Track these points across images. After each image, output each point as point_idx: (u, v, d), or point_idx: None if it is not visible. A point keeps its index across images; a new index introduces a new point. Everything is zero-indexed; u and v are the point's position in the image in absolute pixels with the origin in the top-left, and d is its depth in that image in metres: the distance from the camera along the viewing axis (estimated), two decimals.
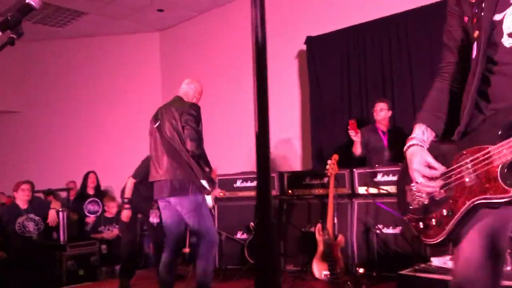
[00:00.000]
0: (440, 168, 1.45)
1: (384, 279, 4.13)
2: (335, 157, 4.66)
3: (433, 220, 1.45)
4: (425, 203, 1.50)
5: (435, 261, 3.07)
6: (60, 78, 8.31)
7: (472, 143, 1.39)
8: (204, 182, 3.53)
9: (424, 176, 1.47)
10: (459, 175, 1.40)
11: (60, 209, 5.43)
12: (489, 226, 1.38)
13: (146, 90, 8.08)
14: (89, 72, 8.15)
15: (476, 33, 1.43)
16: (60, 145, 7.84)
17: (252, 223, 5.01)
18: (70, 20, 7.55)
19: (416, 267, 3.05)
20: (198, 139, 3.54)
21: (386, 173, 4.57)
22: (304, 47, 6.38)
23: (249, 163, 6.05)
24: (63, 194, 6.54)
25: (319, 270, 4.34)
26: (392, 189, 4.49)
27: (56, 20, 7.52)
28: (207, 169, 3.59)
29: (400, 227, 4.31)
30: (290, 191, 5.17)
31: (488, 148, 1.33)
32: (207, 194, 3.62)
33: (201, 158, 3.56)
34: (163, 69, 8.23)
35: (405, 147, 1.56)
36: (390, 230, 4.38)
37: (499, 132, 1.30)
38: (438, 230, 1.43)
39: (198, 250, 3.62)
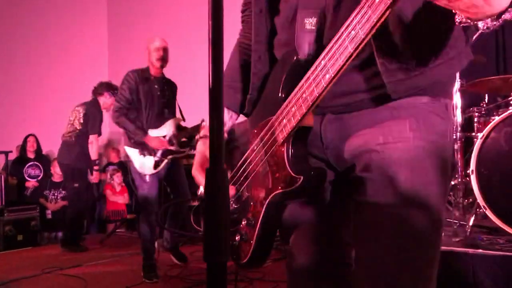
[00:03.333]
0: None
1: None
2: None
3: (238, 234, 1.06)
4: (233, 208, 1.11)
5: None
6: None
7: (262, 114, 1.05)
8: (128, 149, 3.67)
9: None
10: (252, 165, 1.06)
11: None
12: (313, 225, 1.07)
13: (92, 51, 7.76)
14: (33, 31, 7.70)
15: None
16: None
17: (199, 190, 5.00)
18: None
19: None
20: (118, 108, 3.63)
21: None
22: None
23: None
24: (1, 158, 6.24)
25: None
26: None
27: None
28: (136, 135, 3.60)
29: None
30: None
31: (272, 120, 1.00)
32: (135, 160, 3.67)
33: (121, 126, 3.66)
34: (110, 30, 7.92)
35: (196, 138, 1.19)
36: None
37: (281, 95, 0.97)
38: (245, 246, 1.04)
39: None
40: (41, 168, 6.16)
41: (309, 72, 0.90)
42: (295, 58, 0.95)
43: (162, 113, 3.73)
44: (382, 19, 0.75)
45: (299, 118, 0.92)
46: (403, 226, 0.89)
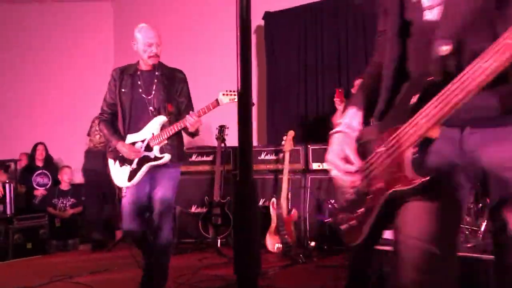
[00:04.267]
0: (356, 163, 1.29)
1: (334, 252, 4.28)
2: (291, 133, 4.73)
3: (355, 220, 1.29)
4: (352, 198, 1.32)
5: (385, 234, 3.20)
6: (7, 43, 7.85)
7: (389, 123, 1.23)
8: (109, 160, 3.24)
9: (339, 169, 1.31)
10: (376, 165, 1.25)
11: (7, 181, 5.23)
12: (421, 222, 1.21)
13: (98, 58, 7.80)
14: (38, 39, 7.75)
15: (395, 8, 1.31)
16: (9, 115, 7.48)
17: (207, 197, 5.02)
18: None
19: None
20: (99, 114, 3.27)
21: None
22: (262, 22, 6.35)
23: (207, 138, 6.02)
24: (12, 166, 6.27)
25: (272, 243, 4.44)
26: None
27: None
28: (110, 142, 3.19)
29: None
30: None
31: (399, 129, 1.18)
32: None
33: (102, 134, 3.32)
34: (116, 38, 7.96)
35: (331, 132, 1.40)
36: None
37: (410, 108, 1.16)
38: (358, 230, 1.26)
39: None
40: (49, 176, 6.19)
41: (441, 92, 1.06)
42: (428, 79, 1.12)
43: (145, 113, 3.12)
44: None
45: (426, 129, 1.10)
46: None
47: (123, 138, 3.13)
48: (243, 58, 0.61)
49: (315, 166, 4.83)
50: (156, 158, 3.08)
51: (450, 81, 1.06)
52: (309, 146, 4.93)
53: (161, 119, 3.10)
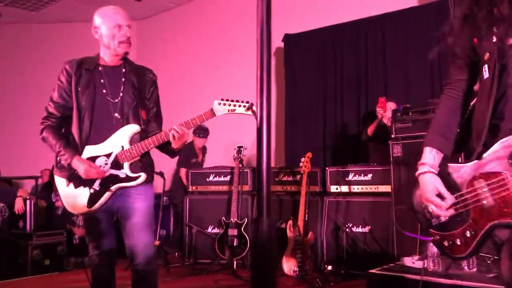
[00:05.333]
0: (450, 199, 1.50)
1: (352, 277, 4.21)
2: (309, 155, 4.71)
3: (458, 239, 1.51)
4: (442, 221, 1.55)
5: (405, 261, 3.15)
6: (30, 63, 8.07)
7: (486, 166, 1.43)
8: (56, 178, 2.56)
9: (437, 206, 1.52)
10: (476, 198, 1.45)
11: (28, 197, 5.31)
12: None
13: None
14: (62, 58, 7.95)
15: (487, 55, 1.47)
16: (31, 131, 7.62)
17: (223, 218, 5.01)
18: (45, 4, 7.35)
19: (386, 266, 3.12)
20: (43, 118, 2.61)
21: (358, 173, 4.64)
22: (281, 44, 6.41)
23: (225, 158, 6.04)
24: (32, 183, 6.37)
25: (289, 266, 4.39)
26: (363, 188, 4.57)
27: (29, 3, 7.31)
28: (61, 156, 2.48)
29: (369, 227, 4.40)
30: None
31: (502, 174, 1.39)
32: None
33: (46, 144, 2.58)
34: (139, 59, 8.11)
35: (417, 172, 1.59)
36: (359, 229, 4.46)
37: (510, 160, 1.37)
38: (464, 248, 1.49)
39: None
40: None
41: None
42: None
43: (110, 120, 2.49)
44: None
45: None
46: None
47: (79, 151, 2.46)
48: (261, 85, 0.62)
49: (332, 188, 4.79)
50: (128, 178, 2.47)
51: None
52: (327, 168, 4.90)
53: (133, 128, 2.49)
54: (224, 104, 2.48)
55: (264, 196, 0.63)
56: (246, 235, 4.88)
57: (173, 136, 2.39)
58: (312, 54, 6.16)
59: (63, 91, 2.50)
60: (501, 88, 1.45)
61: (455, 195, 1.50)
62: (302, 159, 4.69)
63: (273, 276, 0.64)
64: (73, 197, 2.47)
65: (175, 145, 2.44)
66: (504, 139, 1.40)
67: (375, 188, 4.53)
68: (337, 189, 4.77)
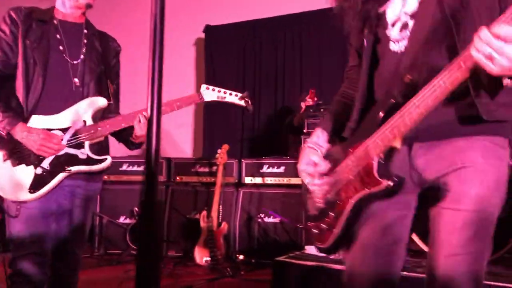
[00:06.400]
0: (323, 165, 1.46)
1: (262, 266, 4.32)
2: (225, 146, 4.76)
3: (325, 224, 1.44)
4: (321, 207, 1.48)
5: (309, 249, 3.30)
6: None
7: (357, 139, 1.39)
8: None
9: (310, 175, 1.48)
10: (345, 175, 1.39)
11: None
12: (382, 218, 1.38)
13: None
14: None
15: (365, 29, 1.46)
16: None
17: (136, 208, 4.93)
18: None
19: (291, 254, 3.25)
20: None
21: (272, 165, 4.77)
22: (202, 35, 6.39)
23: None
24: None
25: (201, 256, 4.42)
26: (277, 180, 4.72)
27: None
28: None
29: (280, 217, 4.55)
30: (178, 178, 5.17)
31: (365, 143, 1.33)
32: None
33: None
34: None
35: (301, 147, 1.55)
36: (271, 219, 4.59)
37: (376, 123, 1.31)
38: (328, 234, 1.41)
39: None
40: None
41: (403, 108, 1.23)
42: (392, 100, 1.28)
43: (66, 85, 2.01)
44: (464, 77, 1.10)
45: (391, 140, 1.26)
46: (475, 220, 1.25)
47: (23, 117, 1.94)
48: (153, 77, 0.63)
49: (247, 180, 4.89)
50: (90, 161, 2.00)
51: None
52: (243, 160, 4.99)
53: (99, 102, 2.05)
54: (213, 90, 2.26)
55: (151, 181, 0.65)
56: None
57: (140, 120, 1.98)
58: (232, 47, 6.21)
59: (5, 43, 1.97)
60: (374, 59, 1.45)
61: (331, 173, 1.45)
62: (219, 151, 4.73)
63: (158, 258, 0.66)
64: (8, 177, 1.93)
65: (138, 132, 2.01)
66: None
67: (287, 180, 4.68)
68: (251, 180, 4.87)
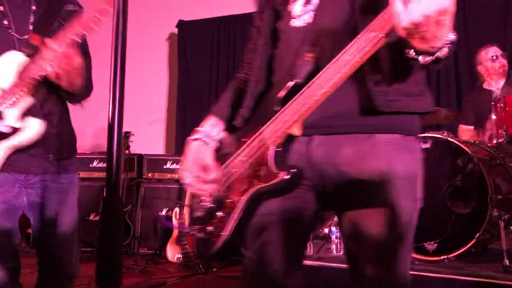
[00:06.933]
0: (216, 172, 1.23)
1: (235, 262, 4.32)
2: None
3: (212, 227, 1.22)
4: (208, 207, 1.27)
5: None
6: None
7: (252, 126, 1.22)
8: None
9: (198, 179, 1.24)
10: (237, 168, 1.21)
11: None
12: (279, 213, 1.21)
13: None
14: None
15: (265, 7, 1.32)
16: None
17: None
18: None
19: None
20: None
21: None
22: (175, 30, 6.33)
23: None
24: None
25: (173, 253, 4.40)
26: None
27: None
28: None
29: None
30: (150, 174, 5.12)
31: (262, 129, 1.17)
32: None
33: None
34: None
35: (188, 138, 1.32)
36: None
37: (273, 108, 1.15)
38: (216, 238, 1.19)
39: None
40: None
41: (304, 88, 1.07)
42: (293, 82, 1.12)
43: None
44: (374, 50, 0.97)
45: (290, 125, 1.09)
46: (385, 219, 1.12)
47: None
48: (115, 72, 0.62)
49: None
50: (14, 132, 1.64)
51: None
52: None
53: (15, 58, 1.66)
54: None
55: (113, 177, 0.64)
56: (130, 223, 4.79)
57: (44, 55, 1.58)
58: (205, 43, 6.17)
59: None
60: (274, 38, 1.30)
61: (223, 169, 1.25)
62: None
63: (119, 254, 0.65)
64: None
65: (56, 73, 1.60)
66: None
67: None
68: None
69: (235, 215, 1.16)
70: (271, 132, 1.14)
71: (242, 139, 1.23)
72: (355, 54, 0.99)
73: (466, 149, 2.83)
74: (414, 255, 2.78)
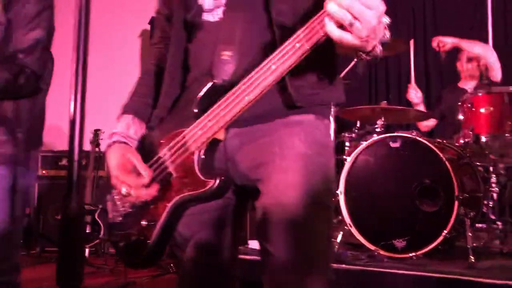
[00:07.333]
0: (148, 174, 1.14)
1: None
2: None
3: (135, 234, 1.16)
4: (128, 212, 1.19)
5: (252, 244, 3.32)
6: None
7: (169, 126, 1.16)
8: None
9: (131, 185, 1.14)
10: (158, 171, 1.14)
11: None
12: (206, 212, 1.18)
13: None
14: None
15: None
16: None
17: None
18: None
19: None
20: None
21: None
22: (148, 27, 6.27)
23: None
24: None
25: None
26: None
27: None
28: None
29: None
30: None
31: (183, 131, 1.11)
32: None
33: None
34: None
35: (106, 146, 1.24)
36: None
37: (194, 110, 1.10)
38: (141, 245, 1.13)
39: None
40: None
41: (230, 93, 1.05)
42: (211, 82, 1.09)
43: None
44: (299, 60, 0.97)
45: (216, 130, 1.06)
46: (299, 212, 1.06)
47: None
48: (77, 67, 0.60)
49: None
50: None
51: (232, 84, 1.06)
52: None
53: None
54: None
55: (74, 175, 0.63)
56: (100, 222, 4.71)
57: None
58: None
59: None
60: (187, 30, 1.24)
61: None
62: None
63: (81, 253, 0.64)
64: None
65: None
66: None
67: None
68: None
69: (160, 223, 1.11)
70: (194, 137, 1.09)
71: (161, 141, 1.17)
72: (281, 63, 0.98)
73: (435, 148, 2.88)
74: (383, 253, 2.83)
